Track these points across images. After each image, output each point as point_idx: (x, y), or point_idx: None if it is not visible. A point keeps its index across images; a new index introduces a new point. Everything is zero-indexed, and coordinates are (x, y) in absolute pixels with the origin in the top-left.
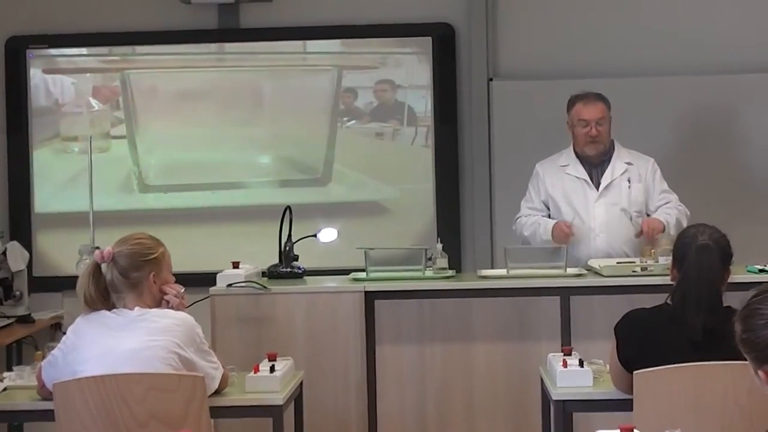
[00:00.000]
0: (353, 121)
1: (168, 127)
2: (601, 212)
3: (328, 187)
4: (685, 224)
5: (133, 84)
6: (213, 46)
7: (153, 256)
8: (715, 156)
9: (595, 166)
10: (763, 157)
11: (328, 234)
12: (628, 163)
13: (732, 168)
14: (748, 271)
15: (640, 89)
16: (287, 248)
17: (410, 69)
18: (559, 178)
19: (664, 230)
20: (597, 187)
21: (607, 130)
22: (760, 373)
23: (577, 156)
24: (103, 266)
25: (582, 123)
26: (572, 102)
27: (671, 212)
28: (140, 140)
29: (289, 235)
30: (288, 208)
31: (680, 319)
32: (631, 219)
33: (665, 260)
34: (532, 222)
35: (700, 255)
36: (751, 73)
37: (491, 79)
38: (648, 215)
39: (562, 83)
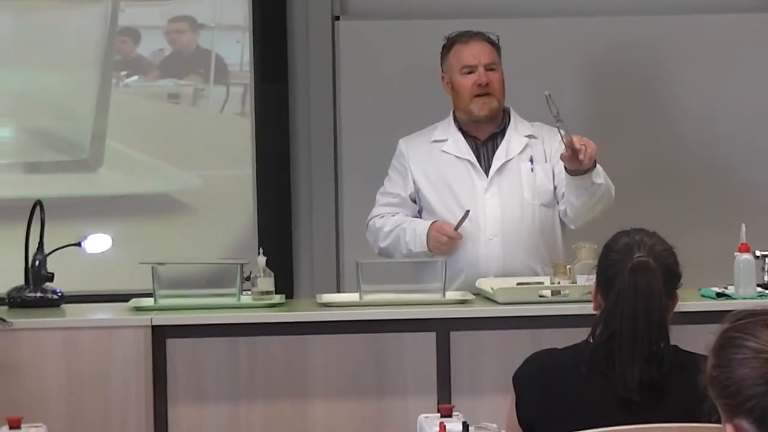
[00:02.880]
0: (134, 77)
1: None
2: (494, 206)
3: (97, 173)
4: (605, 201)
5: None
6: None
7: None
8: (642, 127)
9: (484, 143)
10: (706, 128)
11: (97, 242)
12: (530, 137)
13: (666, 144)
14: (703, 296)
15: (535, 33)
16: (37, 263)
17: (219, 1)
18: (433, 160)
19: (595, 166)
20: (487, 172)
21: (500, 80)
22: (729, 427)
23: (460, 128)
24: None
25: (466, 70)
26: (448, 46)
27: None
28: None
29: (40, 244)
30: (38, 203)
31: (606, 366)
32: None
33: (586, 280)
34: (393, 225)
35: (636, 277)
36: (682, 14)
37: (337, 18)
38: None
39: (434, 24)
